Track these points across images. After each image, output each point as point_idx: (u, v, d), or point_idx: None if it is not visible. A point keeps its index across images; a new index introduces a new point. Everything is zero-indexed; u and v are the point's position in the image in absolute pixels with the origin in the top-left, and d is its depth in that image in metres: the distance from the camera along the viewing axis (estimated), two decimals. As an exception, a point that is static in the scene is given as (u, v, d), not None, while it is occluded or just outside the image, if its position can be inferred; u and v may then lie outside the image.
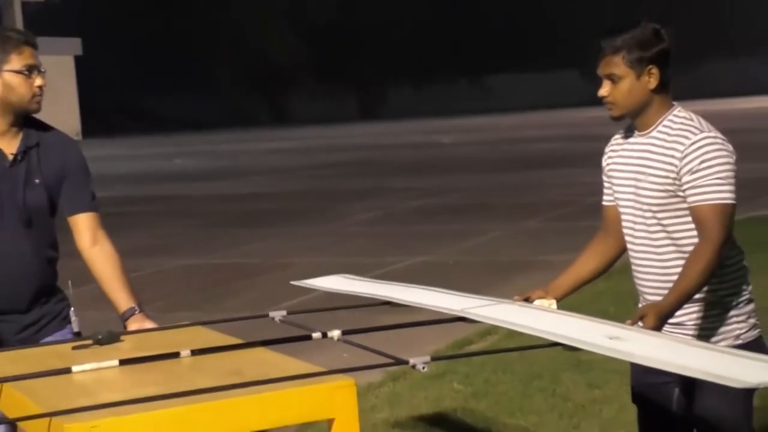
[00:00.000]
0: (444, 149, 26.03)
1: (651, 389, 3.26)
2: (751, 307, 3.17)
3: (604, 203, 3.30)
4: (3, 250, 3.32)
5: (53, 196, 3.39)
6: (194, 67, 55.05)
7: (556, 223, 11.74)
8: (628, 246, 3.21)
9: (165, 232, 13.33)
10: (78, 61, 36.42)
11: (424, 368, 2.35)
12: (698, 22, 47.80)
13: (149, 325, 3.22)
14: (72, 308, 3.48)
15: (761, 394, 4.11)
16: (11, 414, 2.43)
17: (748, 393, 3.09)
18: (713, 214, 2.95)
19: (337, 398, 2.26)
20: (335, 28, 55.43)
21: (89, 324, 3.00)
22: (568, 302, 3.17)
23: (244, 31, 54.97)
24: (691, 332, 3.11)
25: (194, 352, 2.57)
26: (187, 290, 9.14)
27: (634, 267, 3.21)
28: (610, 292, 7.02)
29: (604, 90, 3.06)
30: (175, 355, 2.55)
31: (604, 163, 3.28)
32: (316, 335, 2.68)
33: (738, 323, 3.12)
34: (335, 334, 2.68)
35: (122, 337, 2.88)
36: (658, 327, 2.82)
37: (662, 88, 3.06)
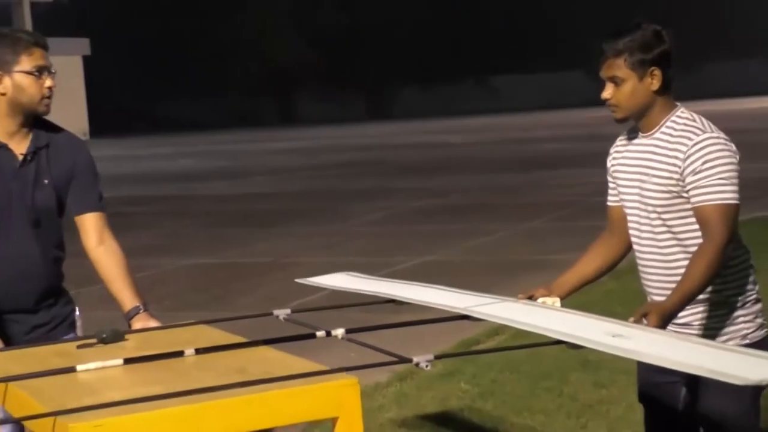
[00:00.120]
0: (449, 149, 26.02)
1: (657, 389, 3.26)
2: (758, 306, 3.16)
3: (608, 203, 3.31)
4: (12, 249, 3.35)
5: (61, 197, 3.41)
6: (202, 68, 55.06)
7: (561, 223, 11.73)
8: (634, 246, 3.21)
9: (171, 232, 13.34)
10: (86, 61, 36.49)
11: (427, 366, 2.36)
12: (700, 22, 47.74)
13: (153, 324, 3.23)
14: (78, 312, 3.51)
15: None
16: (16, 413, 2.43)
17: (755, 392, 3.09)
18: (716, 214, 2.95)
19: (341, 397, 2.26)
20: (343, 29, 55.41)
21: (96, 324, 3.00)
22: (575, 302, 3.16)
23: (253, 32, 54.97)
24: (698, 332, 3.10)
25: (198, 351, 2.57)
26: (192, 290, 9.14)
27: (640, 267, 3.21)
28: (617, 292, 7.01)
29: (607, 93, 3.07)
30: (180, 353, 2.55)
31: (608, 164, 3.29)
32: (320, 334, 2.68)
33: (745, 323, 3.11)
34: (339, 332, 2.68)
35: (126, 336, 2.88)
36: (661, 327, 2.81)
37: (665, 90, 3.07)
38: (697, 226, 3.01)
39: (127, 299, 3.32)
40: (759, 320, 3.15)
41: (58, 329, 3.42)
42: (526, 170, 18.43)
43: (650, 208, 3.10)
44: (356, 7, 55.11)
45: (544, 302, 3.08)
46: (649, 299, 3.18)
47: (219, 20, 55.28)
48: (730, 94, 41.20)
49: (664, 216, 3.08)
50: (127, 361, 2.52)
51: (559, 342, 2.51)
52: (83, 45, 36.12)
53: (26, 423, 2.43)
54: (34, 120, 3.38)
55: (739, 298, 3.10)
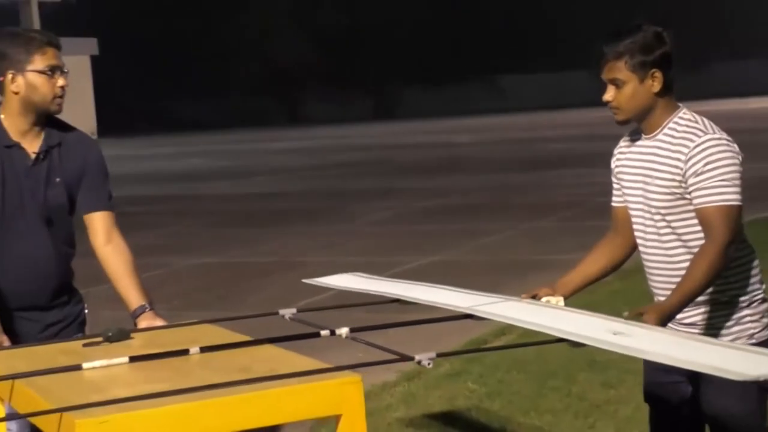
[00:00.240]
0: (454, 149, 26.00)
1: (663, 388, 3.26)
2: (765, 306, 3.17)
3: (613, 204, 3.32)
4: (24, 247, 3.38)
5: (73, 195, 3.45)
6: (205, 68, 55.06)
7: (568, 223, 11.71)
8: (640, 247, 3.21)
9: (176, 232, 13.36)
10: (94, 61, 36.50)
11: (429, 364, 2.37)
12: (702, 22, 47.69)
13: (159, 322, 3.25)
14: (86, 310, 3.55)
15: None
16: (23, 410, 2.45)
17: (760, 392, 3.09)
18: (718, 215, 2.95)
19: (344, 394, 2.27)
20: (348, 29, 55.42)
21: (104, 323, 3.02)
22: (580, 301, 3.16)
23: (257, 32, 54.99)
24: (704, 332, 3.10)
25: (203, 349, 2.59)
26: (200, 289, 9.15)
27: (646, 268, 3.21)
28: (624, 292, 6.99)
29: (609, 95, 3.07)
30: (185, 352, 2.57)
31: (612, 165, 3.29)
32: (325, 333, 2.70)
33: (752, 322, 3.11)
34: (343, 331, 2.69)
35: (132, 335, 2.90)
36: (660, 326, 2.81)
37: (666, 91, 3.07)
38: (700, 228, 3.01)
39: (134, 298, 3.35)
40: (765, 320, 3.14)
41: (70, 328, 3.46)
42: (532, 170, 18.41)
43: (654, 210, 3.10)
44: (361, 7, 55.12)
45: (548, 301, 3.09)
46: (655, 300, 3.18)
47: (223, 20, 55.33)
48: (732, 94, 41.11)
49: (668, 218, 3.08)
50: (133, 359, 2.54)
51: (561, 340, 2.51)
52: (91, 45, 36.09)
53: (33, 420, 2.45)
54: (46, 119, 3.41)
55: (745, 297, 3.10)
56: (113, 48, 39.97)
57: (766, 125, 25.36)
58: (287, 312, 3.04)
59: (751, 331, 3.10)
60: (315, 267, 9.36)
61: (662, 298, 3.09)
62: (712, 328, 3.09)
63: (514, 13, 53.84)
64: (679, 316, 3.05)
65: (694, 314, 3.09)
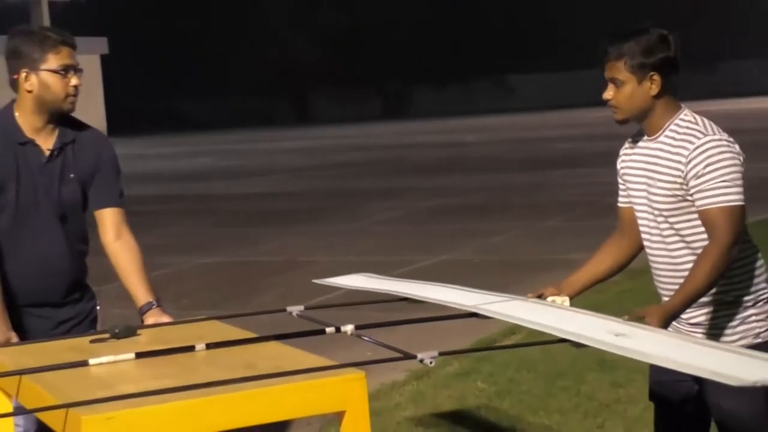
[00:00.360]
0: (463, 148, 25.98)
1: (668, 387, 3.27)
2: None
3: (619, 205, 3.33)
4: (38, 244, 3.40)
5: (86, 191, 3.47)
6: (215, 68, 55.18)
7: (574, 223, 11.69)
8: (646, 248, 3.22)
9: (185, 231, 13.37)
10: (104, 60, 36.55)
11: (431, 363, 2.38)
12: (718, 20, 47.64)
13: (166, 319, 3.26)
14: (99, 307, 3.57)
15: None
16: (30, 406, 2.46)
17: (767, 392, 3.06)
18: (721, 216, 2.95)
19: (348, 391, 2.29)
20: (356, 29, 55.48)
21: (115, 321, 3.03)
22: (589, 301, 3.16)
23: (266, 31, 55.10)
24: (709, 332, 3.10)
25: (209, 346, 2.60)
26: (207, 289, 9.15)
27: (652, 269, 3.22)
28: (633, 292, 6.97)
29: (608, 93, 3.10)
30: (190, 348, 2.58)
31: (618, 166, 3.31)
32: (330, 330, 2.71)
33: (757, 322, 3.10)
34: (349, 328, 2.70)
35: (139, 331, 2.92)
36: (662, 327, 2.82)
37: (666, 94, 3.08)
38: (703, 228, 3.01)
39: (141, 294, 3.36)
40: None
41: (82, 325, 3.47)
42: (538, 170, 18.38)
43: (657, 212, 3.11)
44: (368, 6, 55.11)
45: (553, 301, 3.09)
46: (662, 300, 3.18)
47: (229, 20, 55.40)
48: (748, 93, 41.02)
49: (671, 219, 3.09)
50: (139, 355, 2.55)
51: (563, 340, 2.52)
52: (101, 44, 36.16)
53: (40, 415, 2.46)
54: (60, 117, 3.42)
55: (750, 297, 3.10)
56: (121, 47, 40.04)
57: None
58: (295, 309, 3.04)
59: (757, 330, 3.09)
60: (322, 266, 9.36)
61: (668, 299, 3.09)
62: (717, 328, 3.09)
63: (521, 13, 53.82)
64: (684, 317, 3.06)
65: (699, 314, 3.09)
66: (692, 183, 2.99)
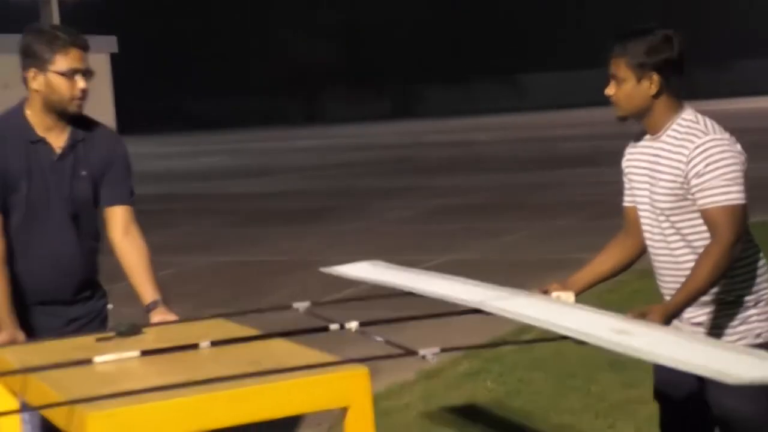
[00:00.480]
0: (474, 147, 25.97)
1: (672, 387, 3.29)
2: None
3: (624, 204, 3.35)
4: (49, 243, 3.41)
5: (98, 188, 3.47)
6: (227, 67, 55.32)
7: (587, 222, 11.65)
8: (648, 247, 3.24)
9: (195, 230, 13.37)
10: (113, 58, 36.63)
11: (433, 359, 2.39)
12: (733, 19, 47.54)
13: (171, 318, 3.27)
14: (111, 306, 3.59)
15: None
16: (36, 404, 2.48)
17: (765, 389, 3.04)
18: (723, 215, 2.97)
19: (351, 387, 2.31)
20: (368, 28, 55.53)
21: (125, 320, 3.00)
22: (602, 300, 3.14)
23: (277, 30, 55.19)
24: (710, 332, 3.12)
25: (214, 344, 2.60)
26: (216, 288, 9.15)
27: (654, 268, 3.23)
28: (644, 292, 6.93)
29: (610, 90, 3.14)
30: (195, 346, 2.58)
31: (623, 165, 3.33)
32: (334, 326, 2.71)
33: (759, 322, 3.11)
34: (353, 325, 2.69)
35: (144, 330, 2.92)
36: (664, 325, 2.84)
37: (665, 94, 3.09)
38: (705, 228, 3.03)
39: (147, 292, 3.37)
40: None
41: (92, 324, 3.47)
42: (550, 169, 18.36)
43: (659, 211, 3.13)
44: (380, 5, 55.12)
45: (558, 297, 3.12)
46: (664, 299, 3.19)
47: (240, 18, 55.48)
48: (759, 92, 40.93)
49: (672, 218, 3.10)
50: (144, 353, 2.55)
51: (564, 338, 2.53)
52: (111, 42, 36.23)
53: (46, 413, 2.47)
54: (71, 116, 3.42)
55: (752, 297, 3.10)
56: (130, 46, 40.14)
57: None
58: (301, 305, 3.04)
59: (758, 330, 3.10)
60: (331, 265, 9.30)
61: (669, 298, 3.10)
62: (718, 328, 3.11)
63: (531, 12, 53.75)
64: (686, 316, 3.08)
65: (701, 314, 3.10)
66: (693, 182, 3.01)
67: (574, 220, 11.99)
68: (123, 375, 2.44)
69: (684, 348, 2.45)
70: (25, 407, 2.67)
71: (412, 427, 5.04)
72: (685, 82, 3.15)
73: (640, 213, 3.21)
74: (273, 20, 55.39)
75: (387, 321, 2.78)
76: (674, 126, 3.10)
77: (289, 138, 36.41)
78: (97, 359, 2.49)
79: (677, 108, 3.12)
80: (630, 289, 7.08)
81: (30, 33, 3.41)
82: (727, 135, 3.06)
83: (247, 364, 2.39)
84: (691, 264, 3.02)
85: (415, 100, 55.94)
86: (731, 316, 3.09)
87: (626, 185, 3.31)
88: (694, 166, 3.00)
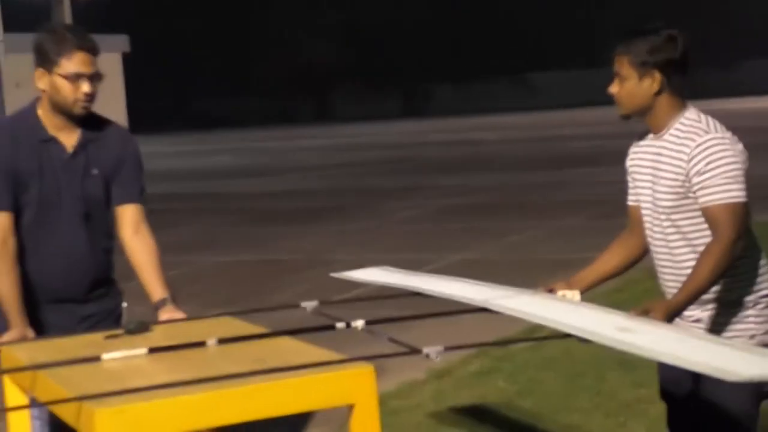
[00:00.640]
0: (483, 147, 25.94)
1: (677, 385, 3.27)
2: None
3: (628, 203, 3.36)
4: (62, 240, 3.41)
5: (110, 187, 3.47)
6: (238, 66, 55.40)
7: (596, 221, 11.63)
8: (650, 246, 3.25)
9: (208, 229, 13.39)
10: (125, 58, 36.65)
11: (437, 357, 2.41)
12: (740, 19, 47.46)
13: (179, 315, 3.27)
14: (125, 304, 3.58)
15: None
16: (45, 400, 2.50)
17: (756, 394, 3.08)
18: (723, 212, 2.98)
19: (357, 385, 2.33)
20: (378, 27, 55.54)
21: (138, 319, 3.00)
22: (612, 300, 3.14)
23: (287, 30, 55.25)
24: (708, 329, 3.12)
25: (220, 341, 2.62)
26: (227, 287, 9.16)
27: (656, 266, 3.25)
28: (655, 291, 6.87)
29: (613, 88, 3.16)
30: (202, 344, 2.60)
31: (626, 164, 3.34)
32: (340, 325, 2.73)
33: (755, 324, 3.11)
34: (359, 323, 2.72)
35: (153, 327, 2.95)
36: (666, 322, 2.84)
37: (667, 93, 3.11)
38: (705, 226, 3.04)
39: (155, 290, 3.37)
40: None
41: (106, 322, 3.46)
42: (560, 168, 18.35)
43: (660, 209, 3.14)
44: (390, 5, 55.11)
45: (563, 295, 3.13)
46: (666, 298, 3.18)
47: (253, 18, 55.54)
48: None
49: (673, 216, 3.11)
50: (151, 350, 2.58)
51: (568, 335, 2.56)
52: (123, 42, 36.24)
53: (54, 409, 2.49)
54: (78, 116, 3.41)
55: (751, 297, 3.11)
56: (142, 45, 40.20)
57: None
58: (309, 305, 3.05)
59: (752, 332, 3.10)
60: (342, 264, 9.26)
61: (671, 296, 3.11)
62: (717, 325, 3.11)
63: (541, 10, 53.67)
64: (686, 313, 3.08)
65: (700, 312, 3.11)
66: (694, 180, 3.02)
67: (581, 220, 11.97)
68: (131, 372, 2.44)
69: (685, 345, 2.48)
70: (34, 403, 2.69)
71: (422, 426, 5.03)
72: (689, 81, 3.16)
73: (643, 211, 3.23)
74: (283, 19, 55.42)
75: (393, 320, 2.80)
76: (677, 125, 3.11)
77: (297, 137, 36.44)
78: (105, 356, 2.52)
79: (680, 107, 3.13)
80: (640, 288, 7.05)
81: (42, 32, 3.41)
82: (728, 134, 3.08)
83: (254, 361, 2.41)
84: (690, 263, 3.04)
85: (423, 99, 55.90)
86: (729, 315, 3.10)
87: (630, 184, 3.33)
88: (696, 164, 3.02)
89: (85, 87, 3.32)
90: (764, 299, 3.11)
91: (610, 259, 3.33)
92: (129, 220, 3.45)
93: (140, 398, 2.17)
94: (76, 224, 3.41)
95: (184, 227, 13.25)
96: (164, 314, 3.28)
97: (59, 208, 3.39)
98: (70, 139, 3.40)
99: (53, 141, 3.38)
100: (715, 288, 3.03)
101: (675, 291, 3.09)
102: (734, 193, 2.99)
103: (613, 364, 5.60)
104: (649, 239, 3.22)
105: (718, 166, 2.99)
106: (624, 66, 3.10)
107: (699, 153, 3.01)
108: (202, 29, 55.09)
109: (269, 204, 15.99)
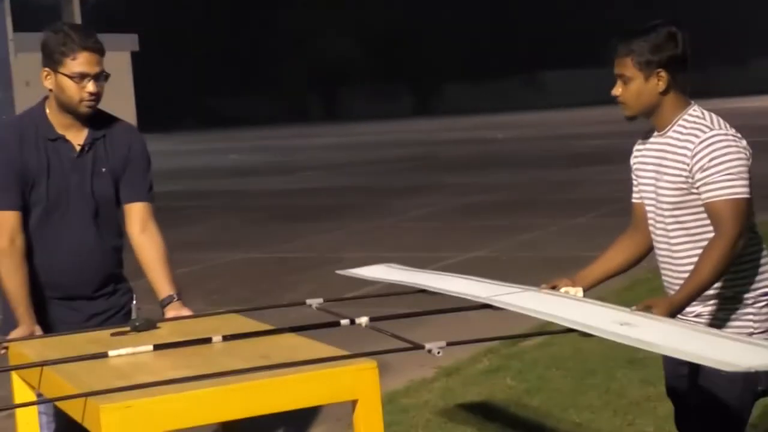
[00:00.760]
0: (496, 145, 25.92)
1: (683, 381, 3.26)
2: None
3: (632, 200, 3.35)
4: (71, 238, 3.42)
5: (118, 185, 3.48)
6: (249, 64, 55.46)
7: (607, 219, 11.60)
8: (653, 243, 3.24)
9: (219, 227, 13.42)
10: (135, 56, 36.71)
11: (439, 353, 2.43)
12: (745, 18, 47.31)
13: (186, 313, 3.28)
14: (135, 302, 3.58)
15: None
16: (51, 396, 2.51)
17: (747, 389, 3.07)
18: (726, 208, 2.98)
19: (360, 380, 2.34)
20: (390, 26, 55.52)
21: (148, 316, 3.02)
22: (621, 298, 3.15)
23: (300, 28, 55.29)
24: (707, 324, 3.11)
25: (226, 338, 2.64)
26: (239, 284, 9.17)
27: (658, 263, 3.24)
28: (663, 290, 6.89)
29: (617, 90, 3.15)
30: (207, 340, 2.62)
31: (631, 162, 3.34)
32: (345, 322, 2.74)
33: (754, 322, 3.10)
34: (363, 320, 2.74)
35: (159, 324, 2.97)
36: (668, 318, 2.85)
37: (673, 91, 3.10)
38: (708, 222, 3.04)
39: (162, 287, 3.38)
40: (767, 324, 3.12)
41: (114, 319, 3.47)
42: (572, 166, 18.33)
43: (664, 206, 3.14)
44: (402, 4, 55.09)
45: (567, 292, 3.13)
46: (667, 294, 3.19)
47: (265, 16, 55.56)
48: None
49: (675, 212, 3.11)
50: (157, 347, 2.60)
51: (570, 330, 2.57)
52: (132, 41, 36.29)
53: (61, 405, 2.50)
54: (84, 115, 3.42)
55: (751, 295, 3.10)
56: (152, 44, 40.27)
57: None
58: (314, 302, 3.06)
59: (750, 330, 3.09)
60: (353, 263, 9.26)
61: (671, 293, 3.11)
62: (716, 319, 3.11)
63: (553, 9, 53.56)
64: (688, 309, 3.07)
65: (701, 308, 3.10)
66: (698, 176, 3.02)
67: (594, 218, 11.96)
68: (137, 368, 2.46)
69: (684, 338, 2.50)
70: (41, 399, 2.71)
71: (430, 423, 5.03)
72: (696, 78, 3.16)
73: (647, 208, 3.23)
74: (295, 18, 55.47)
75: (396, 316, 2.82)
76: (681, 122, 3.11)
77: (308, 135, 36.46)
78: (112, 353, 2.53)
79: (684, 104, 3.13)
80: (649, 286, 7.03)
81: (49, 31, 3.42)
82: (732, 130, 3.07)
83: (258, 358, 2.42)
84: (690, 260, 3.04)
85: (435, 98, 55.86)
86: (729, 312, 3.09)
87: (634, 182, 3.32)
88: (699, 161, 3.01)
89: (90, 87, 3.32)
90: (764, 297, 3.10)
91: (615, 256, 3.32)
92: (137, 217, 3.46)
93: (146, 394, 2.19)
94: (85, 222, 3.42)
95: (195, 225, 13.28)
96: (171, 311, 3.30)
97: (68, 206, 3.40)
98: (78, 137, 3.41)
99: (61, 140, 3.39)
100: (717, 284, 3.03)
101: (674, 287, 3.10)
102: (737, 189, 2.98)
103: (622, 362, 5.60)
104: (653, 236, 3.22)
105: (722, 162, 2.99)
106: (628, 67, 3.09)
107: (703, 149, 3.01)
108: (214, 28, 55.17)
109: (280, 202, 16.01)
